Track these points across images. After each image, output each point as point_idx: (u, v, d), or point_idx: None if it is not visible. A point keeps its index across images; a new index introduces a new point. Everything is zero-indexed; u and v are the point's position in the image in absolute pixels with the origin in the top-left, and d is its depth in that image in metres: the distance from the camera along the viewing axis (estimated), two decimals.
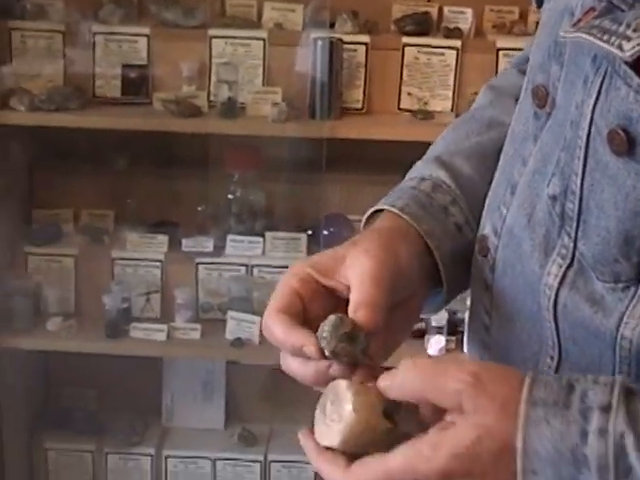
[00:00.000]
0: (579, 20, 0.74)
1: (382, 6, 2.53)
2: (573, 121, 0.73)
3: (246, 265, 2.60)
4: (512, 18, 2.54)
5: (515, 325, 0.79)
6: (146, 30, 2.48)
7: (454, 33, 2.48)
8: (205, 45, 2.47)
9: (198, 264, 2.60)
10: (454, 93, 2.48)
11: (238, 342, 2.52)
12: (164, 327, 2.55)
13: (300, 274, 0.82)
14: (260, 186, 2.62)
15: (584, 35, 0.69)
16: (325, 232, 2.60)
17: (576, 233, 0.73)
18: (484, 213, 0.86)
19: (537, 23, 2.50)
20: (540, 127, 0.79)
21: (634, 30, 0.66)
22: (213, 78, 2.48)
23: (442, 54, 2.46)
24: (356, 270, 0.80)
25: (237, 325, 2.55)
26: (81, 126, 2.45)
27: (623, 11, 0.70)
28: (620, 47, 0.66)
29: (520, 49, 2.43)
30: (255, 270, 2.60)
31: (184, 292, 2.59)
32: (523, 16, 2.55)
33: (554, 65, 0.79)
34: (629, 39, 0.66)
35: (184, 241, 2.60)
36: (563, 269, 0.74)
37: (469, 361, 0.76)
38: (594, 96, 0.71)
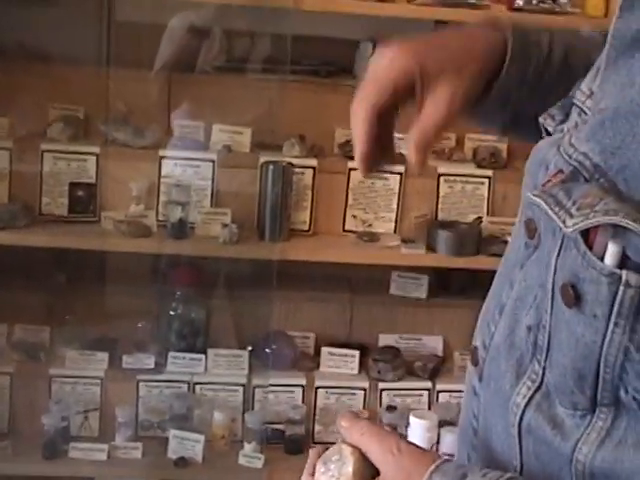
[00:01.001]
0: (548, 180, 0.82)
1: (326, 130, 2.61)
2: (547, 264, 0.80)
3: (188, 382, 2.60)
4: (450, 144, 2.65)
5: (493, 434, 0.87)
6: (95, 149, 2.49)
7: (397, 158, 2.56)
8: (155, 165, 2.49)
9: (139, 381, 2.58)
10: (397, 216, 2.56)
11: (182, 461, 2.50)
12: (104, 446, 2.51)
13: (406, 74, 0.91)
14: (202, 303, 2.63)
15: (542, 203, 0.77)
16: (267, 350, 2.62)
17: (545, 362, 0.80)
18: (478, 325, 0.94)
19: (474, 149, 2.62)
20: (527, 257, 0.85)
21: (578, 209, 0.73)
22: (162, 197, 2.50)
23: (386, 178, 2.55)
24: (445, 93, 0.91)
25: (179, 443, 2.53)
26: (28, 245, 2.42)
27: (586, 179, 0.77)
28: (564, 222, 0.74)
29: (460, 174, 2.55)
30: (197, 387, 2.60)
31: (124, 410, 2.56)
32: (460, 142, 2.66)
33: None
34: (572, 216, 0.73)
35: (124, 358, 2.58)
36: (531, 392, 0.81)
37: (403, 439, 0.87)
38: (557, 250, 0.78)
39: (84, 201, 2.49)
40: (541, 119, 0.90)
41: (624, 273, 0.70)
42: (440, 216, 2.59)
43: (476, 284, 2.51)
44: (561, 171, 0.79)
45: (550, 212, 0.75)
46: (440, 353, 2.73)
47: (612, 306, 0.71)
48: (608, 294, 0.72)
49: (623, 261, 0.71)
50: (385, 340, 2.71)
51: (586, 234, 0.73)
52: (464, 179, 2.58)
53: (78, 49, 2.51)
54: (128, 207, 2.48)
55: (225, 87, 2.57)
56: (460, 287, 2.73)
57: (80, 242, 2.45)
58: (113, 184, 2.49)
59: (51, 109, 2.55)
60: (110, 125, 2.50)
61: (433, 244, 2.51)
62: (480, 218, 2.58)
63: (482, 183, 2.59)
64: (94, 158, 2.49)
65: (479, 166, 2.61)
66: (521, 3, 2.44)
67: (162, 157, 2.50)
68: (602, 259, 0.72)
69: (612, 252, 0.71)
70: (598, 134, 0.76)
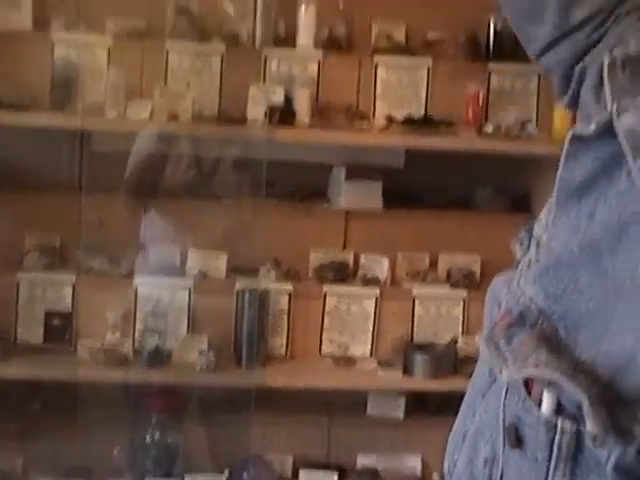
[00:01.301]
0: (496, 323, 0.84)
1: (301, 253, 2.63)
2: (499, 401, 0.82)
3: None
4: (423, 265, 2.68)
5: None
6: (71, 277, 2.49)
7: (372, 281, 2.60)
8: (131, 292, 2.50)
9: None
10: (373, 338, 2.58)
11: None
12: None
13: None
14: (178, 428, 2.61)
15: (485, 350, 0.79)
16: (245, 474, 2.60)
17: None
18: (447, 448, 0.95)
19: (448, 271, 2.65)
20: (488, 386, 0.86)
21: (514, 360, 0.75)
22: (138, 325, 2.49)
23: (361, 301, 2.57)
24: None
25: None
26: (2, 377, 2.40)
27: (531, 324, 0.79)
28: (501, 371, 0.76)
29: (434, 296, 2.57)
30: None
31: None
32: (433, 263, 2.69)
33: None
34: (507, 367, 0.75)
35: None
36: None
37: None
38: (504, 390, 0.79)
39: (60, 330, 2.49)
40: (512, 245, 0.94)
41: (559, 420, 0.72)
42: (416, 338, 2.61)
43: (453, 403, 2.52)
44: (510, 312, 0.82)
45: (491, 359, 0.78)
46: (419, 473, 2.72)
47: (551, 450, 0.74)
48: (546, 439, 0.74)
49: (559, 407, 0.73)
50: (363, 460, 2.70)
51: (526, 379, 0.76)
52: (439, 300, 2.61)
53: (53, 177, 2.53)
54: (104, 335, 2.48)
55: (200, 211, 2.59)
56: (437, 406, 2.73)
57: (55, 372, 2.44)
58: (89, 312, 2.49)
59: (27, 237, 2.56)
60: (86, 253, 2.51)
61: (410, 367, 2.52)
62: (456, 339, 2.59)
63: (457, 303, 2.61)
64: (70, 287, 2.49)
65: (453, 287, 2.63)
66: (490, 130, 2.50)
67: (138, 284, 2.50)
68: (540, 404, 0.74)
69: (548, 400, 0.74)
70: (543, 279, 0.79)
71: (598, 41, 1.09)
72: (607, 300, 0.74)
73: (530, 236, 0.93)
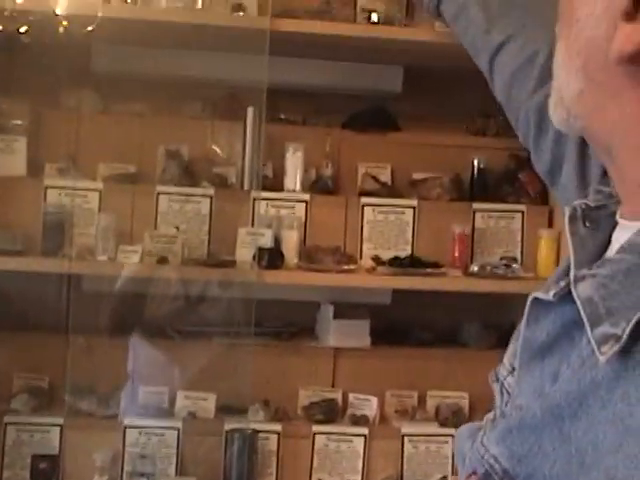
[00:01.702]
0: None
1: (290, 392, 2.64)
2: None
3: None
4: (412, 403, 2.68)
5: None
6: (59, 420, 2.49)
7: (361, 420, 2.59)
8: (119, 434, 2.49)
9: None
10: (363, 478, 2.56)
11: None
12: None
13: None
14: None
15: None
16: None
17: None
18: None
19: (437, 407, 2.63)
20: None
21: None
22: (127, 467, 2.48)
23: (350, 441, 2.56)
24: None
25: None
26: None
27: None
28: None
29: (423, 434, 2.57)
30: None
31: None
32: (422, 400, 2.70)
33: None
34: None
35: None
36: None
37: None
38: None
39: (46, 473, 2.47)
40: (491, 375, 0.97)
41: None
42: (406, 476, 2.59)
43: None
44: (475, 472, 0.84)
45: None
46: None
47: None
48: None
49: None
50: None
51: None
52: (428, 439, 2.60)
53: (42, 318, 2.55)
54: (92, 477, 2.46)
55: (189, 351, 2.60)
56: None
57: None
58: (76, 455, 2.48)
59: (16, 378, 2.56)
60: (74, 394, 2.51)
61: None
62: (445, 477, 2.58)
63: (446, 442, 2.61)
64: (58, 429, 2.48)
65: (442, 424, 2.63)
66: (476, 269, 2.54)
67: (127, 426, 2.50)
68: None
69: None
70: (507, 439, 0.81)
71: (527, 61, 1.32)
72: (570, 466, 0.76)
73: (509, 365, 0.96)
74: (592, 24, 0.80)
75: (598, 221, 0.88)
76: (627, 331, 0.74)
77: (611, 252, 0.84)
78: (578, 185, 1.17)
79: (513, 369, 0.91)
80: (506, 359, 0.95)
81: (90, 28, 2.39)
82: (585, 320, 0.78)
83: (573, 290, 0.81)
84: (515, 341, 0.92)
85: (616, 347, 0.74)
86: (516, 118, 1.30)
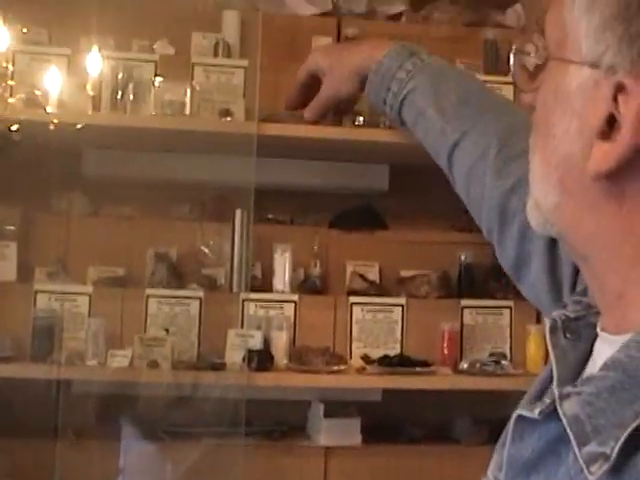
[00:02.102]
0: None
1: None
2: None
3: None
4: None
5: None
6: None
7: None
8: None
9: None
10: None
11: None
12: None
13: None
14: None
15: None
16: None
17: None
18: None
19: None
20: None
21: None
22: None
23: None
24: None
25: None
26: None
27: None
28: None
29: None
30: None
31: None
32: None
33: None
34: None
35: None
36: None
37: None
38: None
39: None
40: None
41: None
42: None
43: None
44: None
45: None
46: None
47: None
48: None
49: None
50: None
51: None
52: None
53: (30, 422, 2.53)
54: None
55: (179, 453, 2.59)
56: None
57: None
58: None
59: None
60: None
61: None
62: None
63: None
64: None
65: None
66: (465, 366, 2.54)
67: None
68: None
69: None
70: None
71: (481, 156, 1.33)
72: None
73: None
74: (568, 141, 0.82)
75: (579, 332, 0.89)
76: (616, 450, 0.75)
77: (594, 366, 0.85)
78: (548, 284, 1.17)
79: None
80: (490, 472, 0.95)
81: (79, 126, 2.43)
82: (572, 439, 0.78)
83: (559, 408, 0.81)
84: (499, 453, 0.92)
85: (605, 467, 0.75)
86: (478, 214, 1.31)
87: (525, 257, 1.20)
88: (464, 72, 1.50)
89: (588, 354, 0.88)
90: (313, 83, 1.67)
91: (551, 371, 0.87)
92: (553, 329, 0.90)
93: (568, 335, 0.89)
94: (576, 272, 1.09)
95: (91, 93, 2.44)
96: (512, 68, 0.90)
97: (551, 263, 1.16)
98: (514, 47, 0.90)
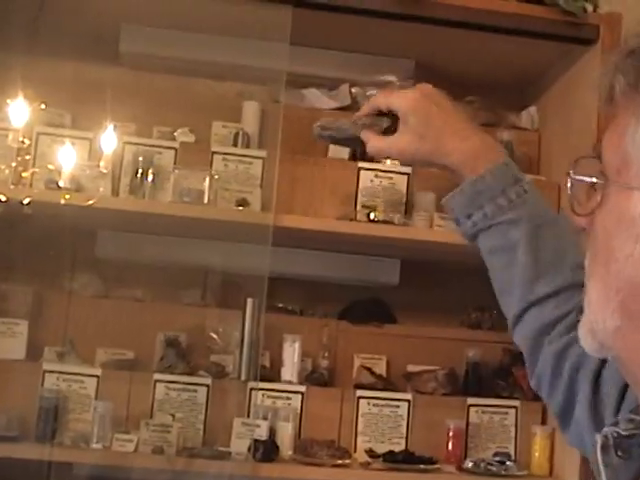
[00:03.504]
0: None
1: None
2: None
3: None
4: None
5: None
6: None
7: None
8: None
9: None
10: None
11: None
12: None
13: None
14: None
15: None
16: None
17: None
18: None
19: None
20: None
21: None
22: None
23: None
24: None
25: None
26: None
27: None
28: None
29: None
30: None
31: None
32: None
33: None
34: None
35: None
36: None
37: None
38: None
39: None
40: None
41: None
42: None
43: None
44: None
45: None
46: None
47: None
48: None
49: None
50: None
51: None
52: None
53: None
54: None
55: None
56: None
57: None
58: None
59: None
60: None
61: None
62: None
63: None
64: None
65: None
66: (470, 465, 2.54)
67: None
68: None
69: None
70: None
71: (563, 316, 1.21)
72: None
73: None
74: (632, 264, 0.83)
75: (630, 450, 0.88)
76: None
77: None
78: (590, 420, 1.17)
79: None
80: None
81: (91, 202, 2.46)
82: None
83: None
84: None
85: None
86: (535, 362, 1.29)
87: (572, 401, 1.21)
88: (560, 218, 1.37)
89: (639, 474, 0.88)
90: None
91: None
92: (605, 447, 0.89)
93: (620, 453, 0.89)
94: (622, 393, 1.10)
95: (109, 174, 2.46)
96: (569, 192, 0.91)
97: (594, 403, 1.17)
98: (570, 172, 0.91)
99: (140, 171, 2.51)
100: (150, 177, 2.52)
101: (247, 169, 2.60)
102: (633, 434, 0.89)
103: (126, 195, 2.52)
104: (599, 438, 0.89)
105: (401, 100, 1.41)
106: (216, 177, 2.52)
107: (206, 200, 2.48)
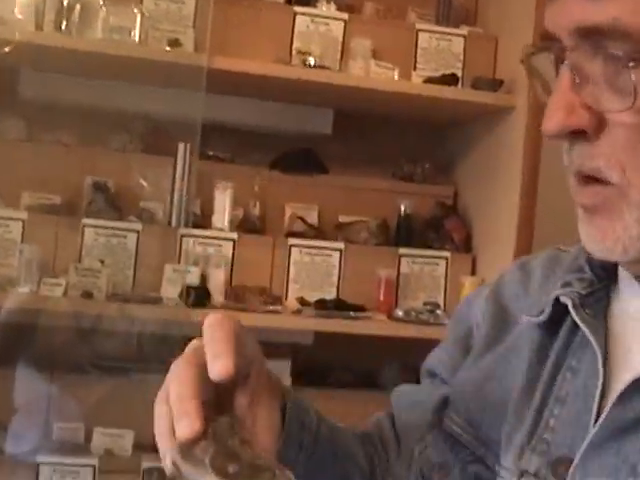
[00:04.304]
0: None
1: None
2: None
3: None
4: None
5: None
6: None
7: None
8: (32, 472, 2.42)
9: None
10: None
11: None
12: None
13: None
14: None
15: None
16: None
17: None
18: None
19: None
20: None
21: None
22: None
23: None
24: None
25: None
26: None
27: None
28: None
29: None
30: None
31: None
32: None
33: None
34: None
35: None
36: None
37: None
38: None
39: None
40: None
41: None
42: None
43: None
44: None
45: None
46: None
47: None
48: None
49: None
50: None
51: None
52: None
53: None
54: None
55: (106, 388, 2.55)
56: None
57: None
58: None
59: None
60: None
61: None
62: None
63: None
64: None
65: None
66: (400, 314, 2.56)
67: (40, 463, 2.43)
68: None
69: None
70: None
71: None
72: None
73: None
74: None
75: (593, 307, 0.86)
76: None
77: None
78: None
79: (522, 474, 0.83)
80: (511, 463, 0.85)
81: (7, 49, 2.35)
82: None
83: None
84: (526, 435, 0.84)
85: None
86: None
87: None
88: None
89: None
90: None
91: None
92: (575, 307, 0.84)
93: (587, 311, 0.85)
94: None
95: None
96: (567, 79, 0.75)
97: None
98: (568, 52, 0.75)
99: (66, 5, 2.39)
100: (77, 14, 2.40)
101: (180, 9, 2.50)
102: (591, 292, 0.87)
103: (51, 31, 2.40)
104: (568, 300, 0.86)
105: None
106: (147, 15, 2.42)
107: (137, 39, 2.38)
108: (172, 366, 0.79)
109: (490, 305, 0.99)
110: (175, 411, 0.73)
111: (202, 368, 0.75)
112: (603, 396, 0.80)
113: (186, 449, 0.73)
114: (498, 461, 0.86)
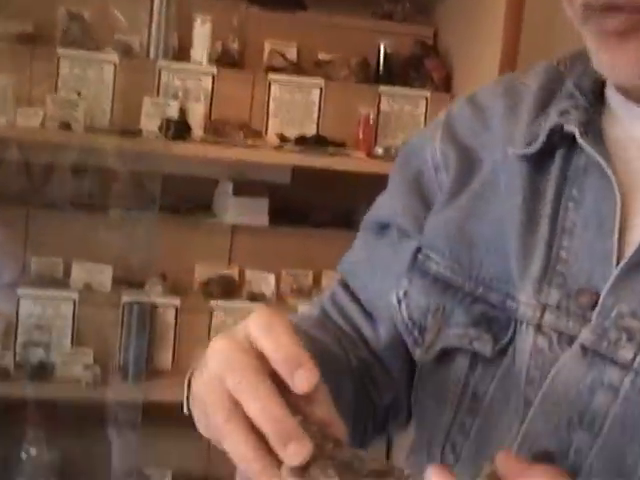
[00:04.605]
0: None
1: (187, 267, 2.62)
2: None
3: None
4: (307, 282, 2.71)
5: None
6: None
7: (258, 297, 2.61)
8: (12, 305, 2.43)
9: None
10: None
11: None
12: None
13: None
14: (57, 444, 2.54)
15: None
16: None
17: None
18: None
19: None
20: None
21: None
22: (20, 338, 2.42)
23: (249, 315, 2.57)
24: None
25: None
26: None
27: None
28: None
29: None
30: None
31: None
32: (317, 280, 2.73)
33: None
34: None
35: None
36: None
37: None
38: None
39: None
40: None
41: None
42: None
43: None
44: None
45: None
46: None
47: None
48: None
49: None
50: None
51: None
52: None
53: None
54: None
55: (85, 223, 2.54)
56: None
57: None
58: None
59: None
60: None
61: None
62: None
63: None
64: None
65: None
66: (380, 152, 2.56)
67: (20, 296, 2.44)
68: None
69: None
70: None
71: None
72: None
73: None
74: None
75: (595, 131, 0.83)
76: None
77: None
78: None
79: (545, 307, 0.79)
80: (530, 297, 0.80)
81: None
82: None
83: None
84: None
85: None
86: None
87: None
88: None
89: None
90: None
91: None
92: (582, 134, 0.81)
93: (589, 138, 0.81)
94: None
95: None
96: None
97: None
98: None
99: None
100: None
101: None
102: (588, 119, 0.83)
103: None
104: (574, 128, 0.81)
105: None
106: None
107: None
108: (231, 370, 0.65)
109: (447, 145, 0.92)
110: (273, 434, 0.64)
111: (273, 376, 0.66)
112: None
113: (299, 472, 0.64)
114: (510, 297, 0.82)
